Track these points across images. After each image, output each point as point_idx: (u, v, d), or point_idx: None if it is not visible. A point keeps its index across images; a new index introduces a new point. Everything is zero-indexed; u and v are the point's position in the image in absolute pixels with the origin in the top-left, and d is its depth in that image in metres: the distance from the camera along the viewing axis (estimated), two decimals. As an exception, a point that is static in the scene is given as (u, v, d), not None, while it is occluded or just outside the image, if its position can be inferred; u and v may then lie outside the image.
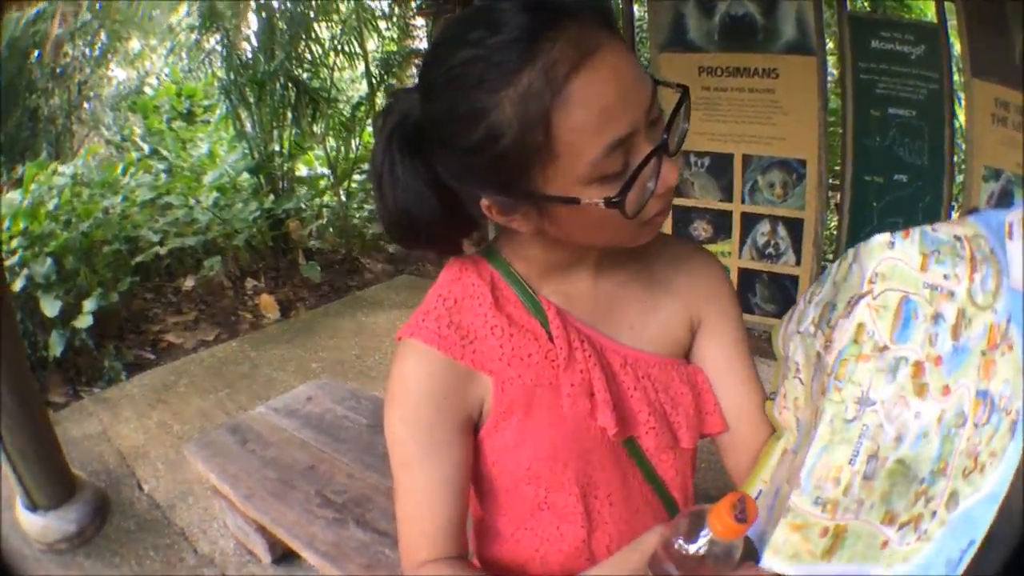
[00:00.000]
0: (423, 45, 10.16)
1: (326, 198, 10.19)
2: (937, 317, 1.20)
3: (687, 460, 1.60)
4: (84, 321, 6.40)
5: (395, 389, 1.40)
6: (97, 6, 10.40)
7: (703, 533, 1.09)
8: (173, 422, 5.77)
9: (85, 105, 11.15)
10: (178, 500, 4.79)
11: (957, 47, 4.22)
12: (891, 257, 1.23)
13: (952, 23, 4.18)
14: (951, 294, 1.20)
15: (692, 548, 1.10)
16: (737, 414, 1.58)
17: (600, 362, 1.43)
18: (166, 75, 12.36)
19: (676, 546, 1.12)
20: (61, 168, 8.12)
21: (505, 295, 1.44)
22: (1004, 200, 4.00)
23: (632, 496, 1.54)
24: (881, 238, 1.25)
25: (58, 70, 10.37)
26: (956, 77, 4.24)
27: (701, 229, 4.62)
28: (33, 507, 4.37)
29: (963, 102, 4.23)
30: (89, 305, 6.49)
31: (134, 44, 12.64)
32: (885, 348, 1.21)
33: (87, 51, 10.88)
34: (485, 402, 1.42)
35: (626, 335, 1.51)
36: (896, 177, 4.27)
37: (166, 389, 6.36)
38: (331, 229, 9.82)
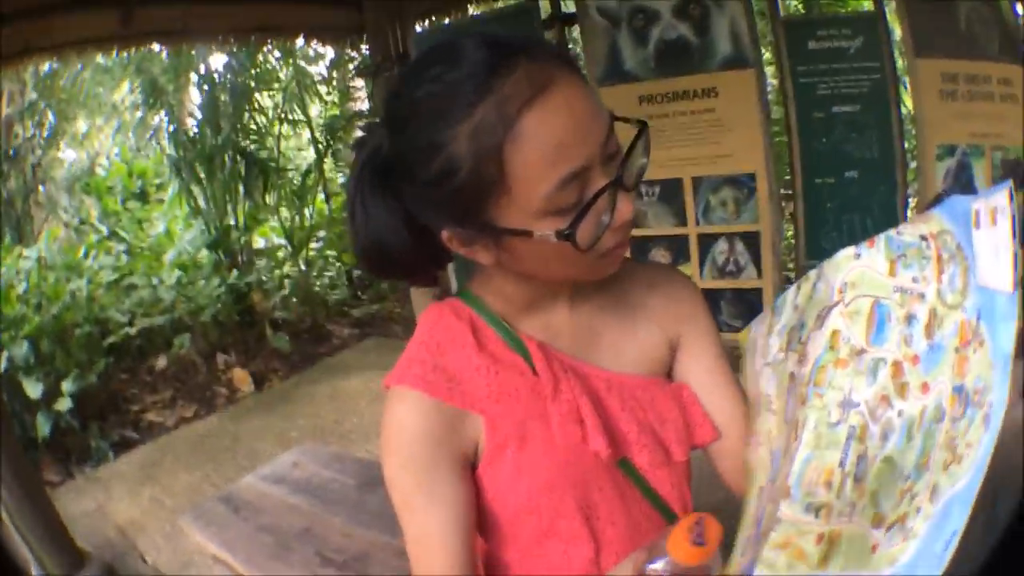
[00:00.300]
0: (365, 106, 10.18)
1: (286, 268, 10.21)
2: (910, 318, 1.21)
3: (682, 474, 1.60)
4: (64, 403, 6.46)
5: (389, 437, 1.39)
6: (40, 85, 10.38)
7: (663, 558, 1.11)
8: (164, 497, 5.78)
9: (40, 188, 11.11)
10: (182, 570, 4.82)
11: (897, 32, 4.27)
12: (859, 266, 1.26)
13: (888, 8, 4.23)
14: (921, 296, 1.21)
15: (654, 565, 1.12)
16: (726, 422, 1.60)
17: (586, 389, 1.43)
18: (115, 155, 12.28)
19: (647, 572, 1.14)
20: (26, 252, 8.18)
21: (485, 334, 1.44)
22: (962, 174, 4.04)
23: (633, 514, 1.54)
24: (846, 252, 1.28)
25: (11, 152, 10.33)
26: (899, 62, 4.28)
27: (659, 256, 4.61)
28: (48, 576, 4.42)
29: (908, 86, 4.24)
30: (68, 387, 6.55)
31: (81, 124, 12.59)
32: (862, 351, 1.22)
33: (37, 132, 10.84)
34: (479, 440, 1.40)
35: (607, 360, 1.51)
36: (847, 174, 4.28)
37: (153, 466, 6.36)
38: (294, 299, 9.82)
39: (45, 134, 11.07)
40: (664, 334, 1.59)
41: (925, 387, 1.17)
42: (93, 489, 6.07)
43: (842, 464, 1.16)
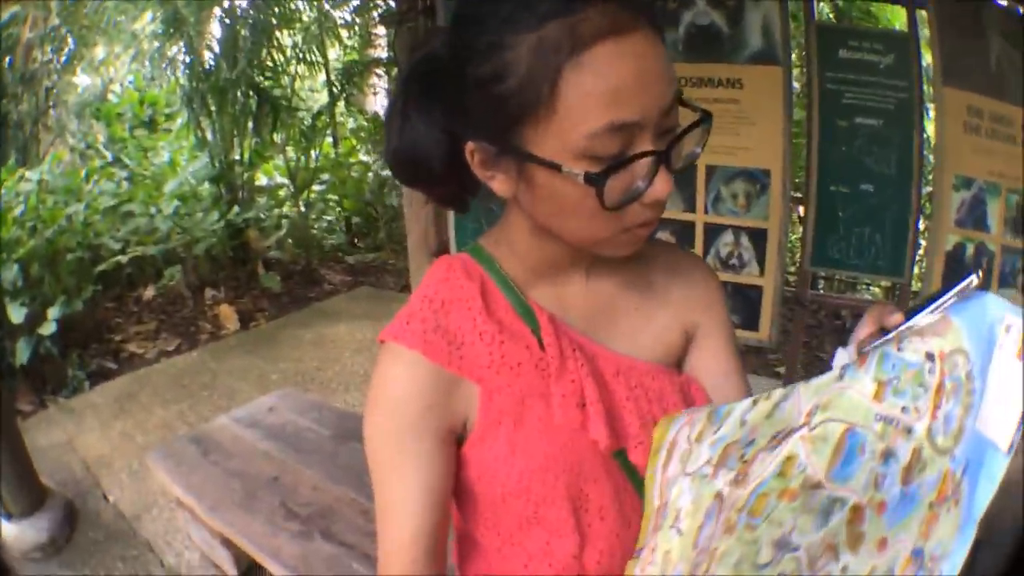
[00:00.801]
0: (384, 54, 10.17)
1: (286, 208, 10.21)
2: (887, 456, 1.04)
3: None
4: (48, 328, 6.41)
5: (376, 395, 1.32)
6: (65, 12, 10.37)
7: None
8: (136, 432, 5.76)
9: (51, 111, 11.11)
10: (143, 511, 4.79)
11: (927, 56, 4.23)
12: (840, 387, 1.09)
13: (922, 32, 4.19)
14: (908, 431, 1.04)
15: None
16: None
17: (592, 371, 1.36)
18: (130, 83, 12.31)
19: None
20: (28, 174, 8.12)
21: (495, 298, 1.37)
22: (976, 208, 4.02)
23: (624, 510, 1.46)
24: (830, 374, 1.12)
25: (27, 75, 10.32)
26: (926, 87, 4.24)
27: (664, 240, 4.61)
28: (8, 515, 4.39)
29: (932, 112, 4.22)
30: (53, 312, 6.50)
31: (99, 51, 12.60)
32: (818, 486, 1.04)
33: (55, 57, 10.84)
34: (471, 412, 1.34)
35: (619, 342, 1.45)
36: (863, 187, 4.24)
37: (129, 399, 6.35)
38: (290, 240, 9.84)
39: (63, 59, 11.06)
40: (680, 321, 1.53)
41: (883, 544, 1.02)
42: (64, 420, 6.05)
43: None
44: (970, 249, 4.08)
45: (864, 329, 1.17)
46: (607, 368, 1.40)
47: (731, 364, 1.57)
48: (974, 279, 1.06)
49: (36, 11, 10.01)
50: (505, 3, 1.07)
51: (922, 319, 1.08)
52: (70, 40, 10.91)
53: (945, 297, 1.07)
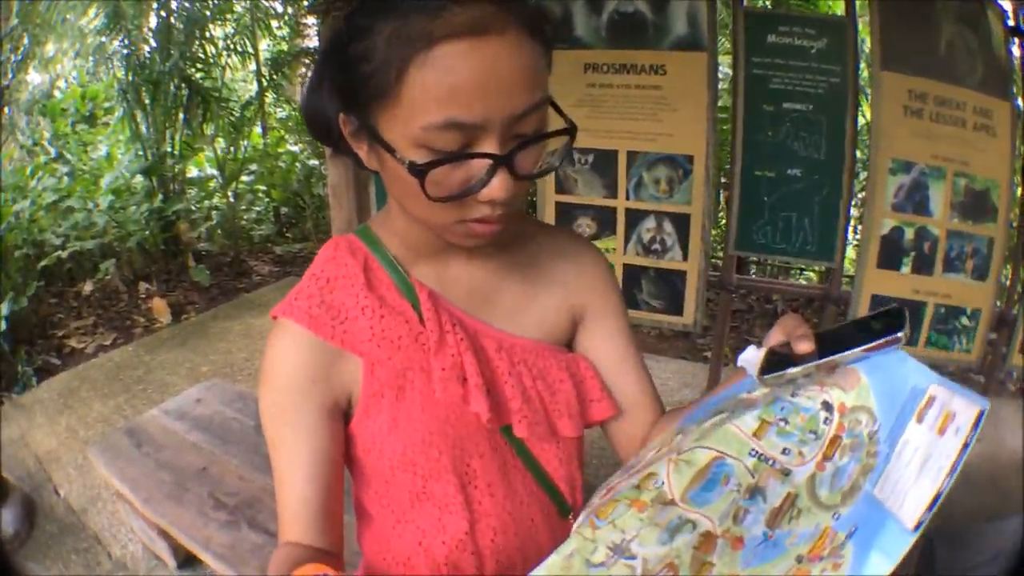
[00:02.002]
0: (314, 44, 10.18)
1: (215, 200, 10.24)
2: (756, 492, 1.01)
3: (571, 450, 1.58)
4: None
5: (266, 369, 1.38)
6: (24, 12, 10.35)
7: None
8: (79, 427, 5.76)
9: (7, 110, 11.07)
10: (89, 504, 4.81)
11: (867, 41, 4.25)
12: (721, 421, 1.10)
13: (863, 20, 4.22)
14: (786, 473, 1.02)
15: None
16: (629, 400, 1.58)
17: (473, 347, 1.41)
18: (74, 79, 12.29)
19: None
20: (-20, 173, 8.05)
21: (378, 276, 1.42)
22: (916, 193, 4.05)
23: (514, 486, 1.52)
24: (717, 417, 1.12)
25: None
26: (863, 71, 4.27)
27: (585, 226, 4.58)
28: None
29: (869, 96, 4.24)
30: (3, 309, 6.50)
31: (50, 48, 12.56)
32: (671, 503, 1.01)
33: (13, 56, 10.80)
34: (355, 385, 1.39)
35: (502, 321, 1.49)
36: (790, 171, 4.27)
37: (71, 394, 6.34)
38: (220, 231, 9.86)
39: (19, 58, 11.04)
40: (567, 303, 1.56)
41: None
42: (17, 416, 6.05)
43: None
44: (909, 233, 4.10)
45: (774, 337, 1.20)
46: (489, 344, 1.45)
47: (624, 345, 1.61)
48: (901, 338, 1.05)
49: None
50: None
51: (837, 357, 1.08)
52: (25, 39, 10.88)
53: (868, 346, 1.07)
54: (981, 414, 0.96)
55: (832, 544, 0.95)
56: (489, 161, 1.12)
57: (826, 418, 1.05)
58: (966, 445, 0.94)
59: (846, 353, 1.08)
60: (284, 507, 1.34)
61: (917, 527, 0.91)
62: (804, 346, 1.12)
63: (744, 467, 1.02)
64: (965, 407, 0.96)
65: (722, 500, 0.99)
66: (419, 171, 1.10)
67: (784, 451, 1.03)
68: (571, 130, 1.20)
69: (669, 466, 1.04)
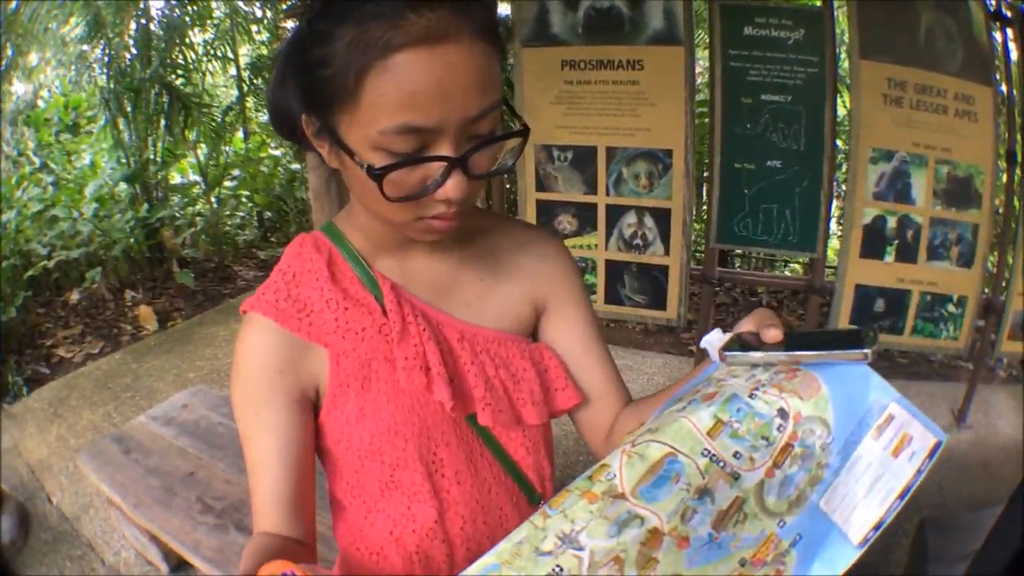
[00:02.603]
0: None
1: (199, 206, 10.22)
2: (704, 493, 1.00)
3: (537, 438, 1.60)
4: (-9, 337, 6.38)
5: (236, 359, 1.41)
6: (7, 21, 10.34)
7: None
8: (69, 435, 5.77)
9: (-8, 121, 11.07)
10: (82, 512, 4.82)
11: (845, 31, 4.27)
12: (677, 413, 1.09)
13: (841, 10, 4.23)
14: (735, 477, 1.02)
15: None
16: (594, 388, 1.61)
17: (435, 336, 1.44)
18: (57, 88, 12.28)
19: None
20: (-33, 185, 8.06)
21: (342, 269, 1.45)
22: (897, 181, 4.07)
23: (481, 475, 1.55)
24: (675, 404, 1.14)
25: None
26: (843, 61, 4.28)
27: (566, 223, 4.60)
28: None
29: (849, 85, 4.25)
30: (-6, 320, 6.46)
31: (33, 58, 12.53)
32: (620, 496, 1.00)
33: (-3, 67, 10.81)
34: (322, 376, 1.42)
35: (464, 311, 1.52)
36: (769, 163, 4.29)
37: (61, 403, 6.35)
38: (204, 237, 9.84)
39: (2, 68, 11.02)
40: (528, 293, 1.59)
41: None
42: (9, 425, 6.06)
43: None
44: (892, 222, 4.12)
45: (745, 324, 1.23)
46: (451, 334, 1.47)
47: (587, 334, 1.63)
48: (869, 354, 1.06)
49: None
50: (344, 0, 1.12)
51: (800, 354, 1.11)
52: (9, 49, 10.87)
53: (834, 352, 1.09)
54: (937, 445, 1.01)
55: (776, 551, 0.98)
56: (445, 163, 1.14)
57: (780, 425, 1.05)
58: (919, 472, 0.98)
59: (810, 352, 1.10)
60: (256, 497, 1.36)
61: (863, 544, 0.95)
62: (772, 333, 1.16)
63: (696, 467, 1.01)
64: (922, 434, 1.01)
65: (671, 498, 0.99)
66: (376, 175, 1.13)
67: (736, 455, 1.03)
68: (524, 131, 1.24)
69: (622, 458, 1.03)
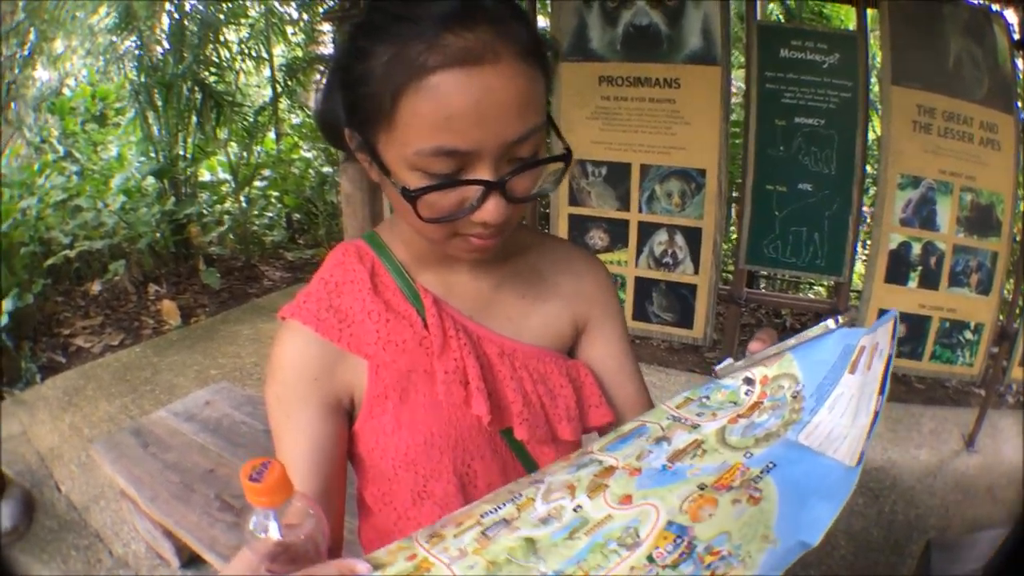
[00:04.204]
0: (330, 51, 10.19)
1: (227, 204, 10.23)
2: (661, 440, 1.08)
3: (570, 453, 1.54)
4: (1, 320, 6.41)
5: (272, 367, 1.41)
6: (31, 6, 10.35)
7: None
8: (83, 425, 5.77)
9: (12, 105, 11.05)
10: (92, 502, 4.80)
11: (878, 57, 4.25)
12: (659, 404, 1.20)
13: (873, 34, 4.22)
14: (693, 427, 1.10)
15: (249, 528, 0.94)
16: (625, 407, 1.62)
17: (475, 351, 1.44)
18: (83, 77, 12.27)
19: (250, 533, 0.95)
20: (-14, 169, 8.02)
21: (384, 281, 1.45)
22: (923, 207, 4.06)
23: None
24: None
25: (-8, 70, 10.30)
26: (873, 86, 4.27)
27: (597, 238, 4.59)
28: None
29: (880, 110, 4.23)
30: (7, 305, 6.50)
31: (58, 45, 12.54)
32: (588, 452, 1.12)
33: (19, 51, 10.79)
34: (359, 386, 1.42)
35: (505, 326, 1.52)
36: (800, 186, 4.28)
37: (76, 393, 6.35)
38: (231, 235, 9.88)
39: (25, 53, 11.03)
40: (569, 311, 1.59)
41: (626, 499, 0.98)
42: (19, 412, 6.07)
43: (484, 516, 1.01)
44: (916, 248, 4.11)
45: (754, 344, 1.25)
46: (491, 349, 1.47)
47: (623, 352, 1.65)
48: (831, 323, 1.15)
49: (6, 5, 9.99)
50: (391, 13, 1.11)
51: (776, 346, 1.20)
52: (32, 34, 10.87)
53: (803, 334, 1.19)
54: (894, 323, 1.09)
55: (743, 477, 0.98)
56: (482, 186, 1.15)
57: (747, 390, 1.14)
58: (889, 358, 1.03)
59: (784, 342, 1.20)
60: None
61: (859, 460, 0.94)
62: (754, 345, 1.24)
63: (659, 427, 1.10)
64: (883, 332, 1.08)
65: (631, 447, 1.07)
66: (411, 197, 1.14)
67: (698, 414, 1.11)
68: (567, 157, 1.23)
69: (602, 438, 1.13)
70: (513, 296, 1.54)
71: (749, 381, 1.14)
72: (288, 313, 1.42)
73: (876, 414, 0.98)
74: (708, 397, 1.14)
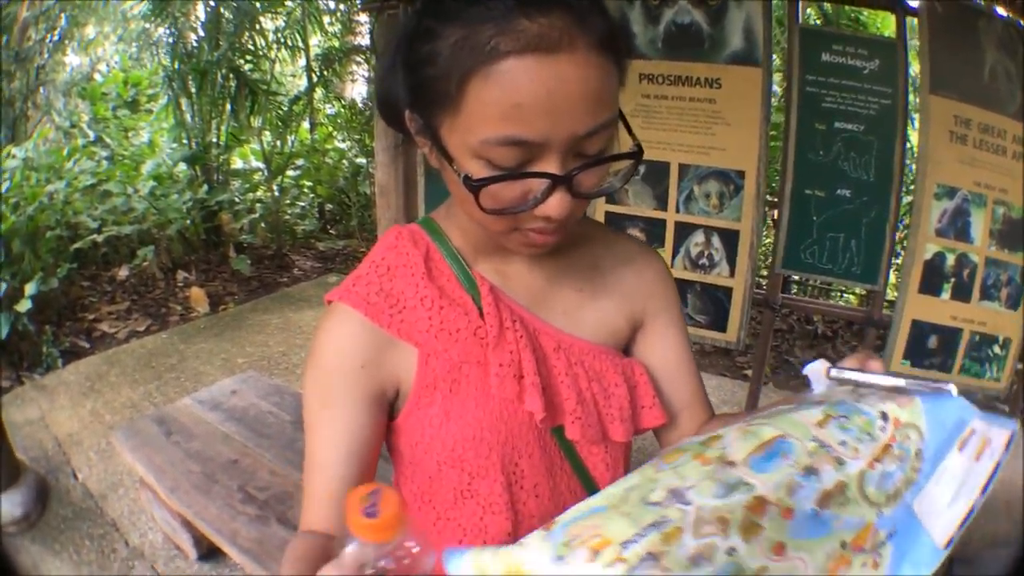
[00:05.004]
0: (365, 42, 10.18)
1: (259, 193, 10.26)
2: (811, 471, 0.97)
3: (619, 455, 1.55)
4: (24, 305, 6.40)
5: (315, 349, 1.37)
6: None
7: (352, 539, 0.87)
8: (104, 411, 5.77)
9: (40, 89, 11.12)
10: (109, 491, 4.79)
11: (915, 64, 4.21)
12: (787, 412, 1.09)
13: (909, 39, 4.17)
14: (839, 462, 0.99)
15: (348, 551, 0.87)
16: (680, 409, 1.58)
17: (532, 344, 1.39)
18: (115, 63, 12.34)
19: (344, 557, 0.88)
20: (15, 151, 8.11)
21: (439, 267, 1.41)
22: (958, 219, 4.01)
23: (559, 488, 1.49)
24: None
25: (21, 54, 10.35)
26: (911, 95, 4.23)
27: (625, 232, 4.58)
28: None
29: (916, 119, 4.20)
30: (30, 289, 6.49)
31: (89, 30, 12.61)
32: (731, 464, 0.97)
33: (48, 36, 10.87)
34: (406, 375, 1.37)
35: (562, 320, 1.47)
36: (839, 192, 4.23)
37: (99, 378, 6.35)
38: (263, 224, 9.92)
39: (55, 38, 11.11)
40: (627, 308, 1.55)
41: (779, 549, 0.91)
42: (39, 397, 6.07)
43: (625, 546, 0.83)
44: (950, 259, 4.07)
45: (847, 362, 1.22)
46: (548, 343, 1.42)
47: (681, 352, 1.60)
48: (953, 388, 1.10)
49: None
50: None
51: (898, 379, 1.14)
52: (63, 19, 10.94)
53: (920, 383, 1.12)
54: (1011, 436, 1.05)
55: (874, 540, 0.96)
56: (548, 180, 1.10)
57: (882, 426, 1.05)
58: (997, 465, 1.02)
59: (907, 379, 1.14)
60: (312, 492, 1.33)
61: (948, 544, 0.97)
62: (874, 364, 1.19)
63: (804, 448, 1.00)
64: (998, 433, 1.04)
65: (779, 472, 0.96)
66: (474, 187, 1.10)
67: (842, 443, 1.01)
68: (637, 154, 1.18)
69: (735, 433, 1.02)
70: (570, 289, 1.49)
71: (884, 416, 1.06)
72: (336, 296, 1.38)
73: (972, 510, 0.98)
74: (847, 418, 1.05)
